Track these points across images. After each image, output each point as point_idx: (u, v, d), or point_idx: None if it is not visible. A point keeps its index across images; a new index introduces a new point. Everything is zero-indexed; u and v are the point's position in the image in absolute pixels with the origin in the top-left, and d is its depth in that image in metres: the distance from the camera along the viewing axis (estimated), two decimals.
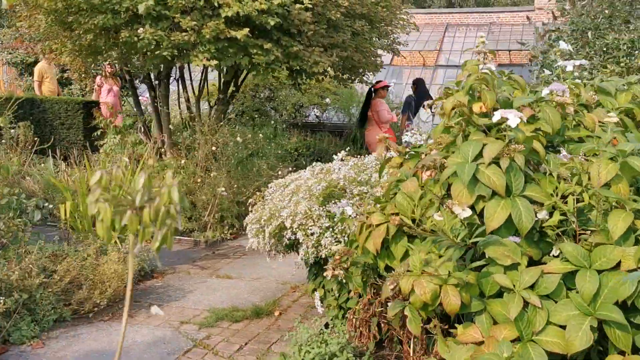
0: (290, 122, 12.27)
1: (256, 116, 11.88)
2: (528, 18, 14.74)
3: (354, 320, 3.45)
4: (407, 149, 2.87)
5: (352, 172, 3.84)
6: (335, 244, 3.55)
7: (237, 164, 6.82)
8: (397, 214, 2.43)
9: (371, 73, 8.66)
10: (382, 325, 3.32)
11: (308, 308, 4.70)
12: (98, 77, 10.13)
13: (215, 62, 6.01)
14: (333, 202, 3.72)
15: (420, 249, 2.17)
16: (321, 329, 3.61)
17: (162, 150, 8.27)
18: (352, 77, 8.48)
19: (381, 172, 2.81)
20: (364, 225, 2.68)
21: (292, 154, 8.36)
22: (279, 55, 6.42)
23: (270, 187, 4.44)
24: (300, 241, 3.69)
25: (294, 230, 3.77)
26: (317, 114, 13.49)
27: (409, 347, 3.25)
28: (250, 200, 4.46)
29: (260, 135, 7.38)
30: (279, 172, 7.20)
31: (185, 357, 3.81)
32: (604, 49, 6.55)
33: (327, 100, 12.63)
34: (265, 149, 7.19)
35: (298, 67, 6.89)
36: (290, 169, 7.99)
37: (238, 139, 6.86)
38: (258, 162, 7.13)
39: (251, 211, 4.25)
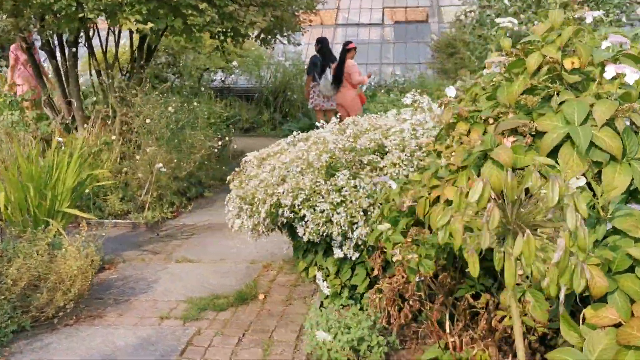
0: (194, 88, 11.54)
1: (157, 83, 11.09)
2: None
3: (377, 300, 3.22)
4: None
5: (350, 140, 3.54)
6: (349, 219, 3.27)
7: (172, 136, 6.24)
8: None
9: (301, 33, 8.27)
10: (408, 305, 3.13)
11: (291, 288, 4.41)
12: (13, 46, 8.79)
13: (149, 25, 5.37)
14: (336, 174, 3.42)
15: None
16: (340, 312, 3.35)
17: (73, 125, 7.43)
18: (276, 38, 8.04)
19: (441, 139, 2.56)
20: (427, 200, 2.43)
21: (220, 123, 7.83)
22: (214, 16, 5.89)
23: (248, 162, 4.04)
24: (307, 219, 3.36)
25: (297, 207, 3.44)
26: (223, 78, 12.86)
27: (443, 325, 3.08)
28: (228, 178, 4.03)
29: (195, 103, 6.81)
30: (219, 143, 6.72)
31: (183, 359, 3.40)
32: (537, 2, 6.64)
33: (235, 63, 12.05)
34: (197, 119, 6.64)
35: (230, 28, 6.39)
36: (227, 138, 7.51)
37: (170, 109, 6.27)
38: (192, 134, 6.59)
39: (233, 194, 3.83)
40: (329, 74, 9.59)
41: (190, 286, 4.44)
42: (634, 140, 1.96)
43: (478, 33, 6.79)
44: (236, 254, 5.15)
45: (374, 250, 3.45)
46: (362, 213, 3.27)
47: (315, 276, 3.94)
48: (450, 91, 4.76)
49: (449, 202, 2.31)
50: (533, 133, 2.16)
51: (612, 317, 1.84)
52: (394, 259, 2.33)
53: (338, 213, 3.29)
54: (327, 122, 4.17)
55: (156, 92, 6.19)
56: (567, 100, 2.06)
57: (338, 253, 3.49)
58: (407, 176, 3.31)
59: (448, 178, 2.39)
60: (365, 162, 3.41)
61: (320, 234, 3.36)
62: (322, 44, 9.65)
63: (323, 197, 3.31)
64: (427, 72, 12.30)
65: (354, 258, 3.49)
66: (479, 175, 2.25)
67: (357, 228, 3.30)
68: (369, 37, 14.68)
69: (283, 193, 3.45)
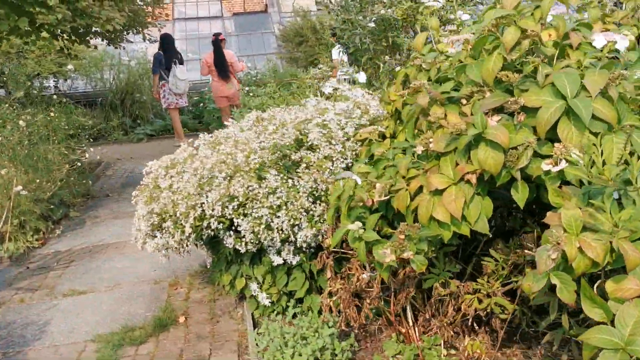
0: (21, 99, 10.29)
1: None
2: None
3: (331, 303, 3.02)
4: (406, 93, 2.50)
5: (271, 138, 3.28)
6: (291, 222, 3.02)
7: (28, 154, 5.46)
8: (472, 172, 2.08)
9: (158, 29, 7.67)
10: (368, 304, 2.98)
11: (210, 304, 4.04)
12: None
13: None
14: (267, 176, 3.15)
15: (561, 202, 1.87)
16: (293, 323, 3.10)
17: None
18: (124, 37, 7.39)
19: (413, 124, 2.40)
20: (404, 192, 2.27)
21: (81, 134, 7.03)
22: (67, 13, 5.22)
23: (152, 172, 3.59)
24: (243, 228, 3.05)
25: (227, 217, 3.11)
26: (56, 84, 11.67)
27: (406, 318, 2.97)
28: (134, 193, 3.56)
29: (52, 114, 6.00)
30: (85, 156, 6.02)
31: None
32: None
33: (70, 67, 10.96)
34: (55, 131, 5.89)
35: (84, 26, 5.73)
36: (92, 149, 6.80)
37: (21, 122, 5.47)
38: (50, 148, 5.83)
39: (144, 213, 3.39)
40: (177, 71, 9.09)
41: (93, 321, 3.89)
42: (624, 107, 1.96)
43: (344, 18, 6.79)
44: (133, 276, 4.63)
45: (317, 251, 3.24)
46: (304, 214, 3.03)
47: (242, 289, 3.63)
48: (361, 77, 4.67)
49: (436, 192, 2.17)
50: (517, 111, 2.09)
51: (636, 287, 1.81)
52: (386, 260, 2.14)
53: (278, 217, 3.02)
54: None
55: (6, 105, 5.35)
56: (555, 74, 2.00)
57: (276, 260, 3.22)
58: (347, 168, 3.12)
59: (429, 166, 2.24)
60: (298, 159, 3.16)
61: (261, 241, 3.07)
62: (164, 41, 9.09)
63: (260, 202, 3.01)
64: (277, 62, 12.17)
65: (294, 263, 3.24)
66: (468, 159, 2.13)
67: (299, 230, 3.05)
68: (210, 30, 14.19)
69: (211, 203, 3.09)
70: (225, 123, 3.77)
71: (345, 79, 8.73)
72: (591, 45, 2.21)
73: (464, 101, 2.26)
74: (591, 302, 1.87)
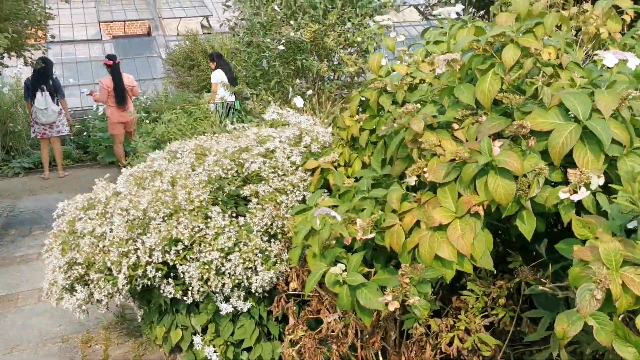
0: None
1: None
2: None
3: (294, 353, 2.70)
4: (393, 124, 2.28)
5: (211, 170, 2.93)
6: (244, 265, 2.68)
7: None
8: (479, 204, 1.89)
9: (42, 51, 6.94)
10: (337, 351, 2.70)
11: None
12: None
13: None
14: (210, 213, 2.79)
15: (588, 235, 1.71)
16: None
17: None
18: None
19: (381, 151, 2.17)
20: (398, 228, 2.03)
21: None
22: None
23: (65, 214, 3.09)
24: (188, 276, 2.67)
25: (167, 263, 2.71)
26: None
27: None
28: (47, 241, 3.03)
29: None
30: None
31: None
32: None
33: None
34: None
35: None
36: None
37: None
38: None
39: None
40: (37, 99, 8.31)
41: None
42: (631, 128, 1.86)
43: (250, 40, 6.49)
44: (34, 334, 3.99)
45: (271, 294, 2.92)
46: (259, 254, 2.70)
47: (178, 342, 3.20)
48: (299, 102, 4.40)
49: (437, 228, 1.95)
50: (519, 135, 1.93)
51: None
52: (390, 308, 1.88)
53: (230, 260, 2.66)
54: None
55: None
56: (562, 94, 1.86)
57: (225, 308, 2.85)
58: (302, 201, 2.84)
59: (426, 199, 2.02)
60: (247, 193, 2.83)
61: (213, 289, 2.69)
62: (42, 63, 8.27)
63: (210, 245, 2.64)
64: (165, 86, 11.58)
65: (245, 309, 2.89)
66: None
67: (254, 274, 2.71)
68: (89, 54, 13.29)
69: (148, 248, 2.67)
70: (152, 155, 3.34)
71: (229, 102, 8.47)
72: (579, 65, 2.11)
73: (455, 126, 2.07)
74: (624, 340, 1.73)
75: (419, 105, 2.09)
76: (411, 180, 2.03)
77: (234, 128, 3.65)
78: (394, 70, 2.71)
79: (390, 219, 2.07)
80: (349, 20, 6.79)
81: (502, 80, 1.96)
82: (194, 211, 2.73)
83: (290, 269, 2.64)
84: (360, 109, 2.92)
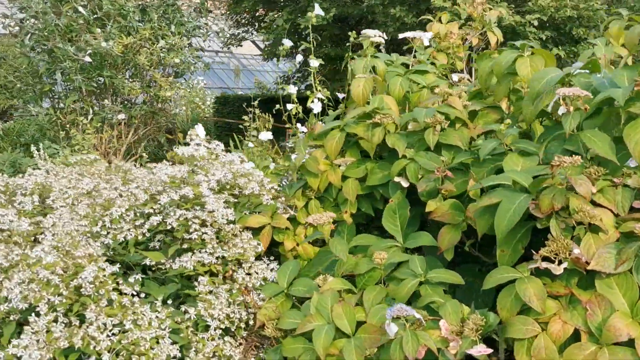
0: None
1: None
2: None
3: None
4: None
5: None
6: None
7: None
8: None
9: None
10: None
11: None
12: None
13: None
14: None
15: None
16: None
17: None
18: None
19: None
20: (545, 342, 1.36)
21: None
22: None
23: None
24: None
25: None
26: None
27: None
28: None
29: None
30: None
31: None
32: None
33: None
34: None
35: None
36: None
37: None
38: None
39: None
40: None
41: None
42: None
43: (44, 46, 5.05)
44: None
45: None
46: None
47: None
48: (200, 130, 3.33)
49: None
50: None
51: None
52: None
53: None
54: None
55: None
56: None
57: None
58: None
59: (586, 297, 1.37)
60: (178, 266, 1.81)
61: None
62: None
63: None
64: None
65: None
66: None
67: None
68: None
69: None
70: None
71: None
72: None
73: (588, 184, 1.47)
74: None
75: (578, 159, 1.44)
76: (556, 268, 1.36)
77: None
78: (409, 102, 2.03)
79: (522, 324, 1.36)
80: (163, 38, 5.79)
81: None
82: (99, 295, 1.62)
83: None
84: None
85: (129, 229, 1.98)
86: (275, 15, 7.09)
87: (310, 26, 3.00)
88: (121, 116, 5.31)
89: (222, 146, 2.39)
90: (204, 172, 2.23)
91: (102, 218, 1.97)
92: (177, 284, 2.13)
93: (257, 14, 8.26)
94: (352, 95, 2.18)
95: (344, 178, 2.16)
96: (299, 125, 3.52)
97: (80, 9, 5.19)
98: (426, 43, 2.56)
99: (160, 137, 6.90)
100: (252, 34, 8.78)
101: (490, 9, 3.40)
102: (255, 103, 4.68)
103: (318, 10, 2.99)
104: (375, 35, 2.32)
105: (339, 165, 2.17)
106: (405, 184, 2.00)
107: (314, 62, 3.17)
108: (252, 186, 2.20)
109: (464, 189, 1.86)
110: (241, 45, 9.60)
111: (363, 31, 2.35)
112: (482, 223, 1.60)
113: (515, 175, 1.56)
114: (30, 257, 1.73)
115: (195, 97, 8.72)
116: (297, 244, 2.24)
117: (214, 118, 9.05)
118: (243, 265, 2.09)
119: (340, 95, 3.14)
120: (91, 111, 5.40)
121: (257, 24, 8.48)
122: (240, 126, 4.68)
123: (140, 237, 2.05)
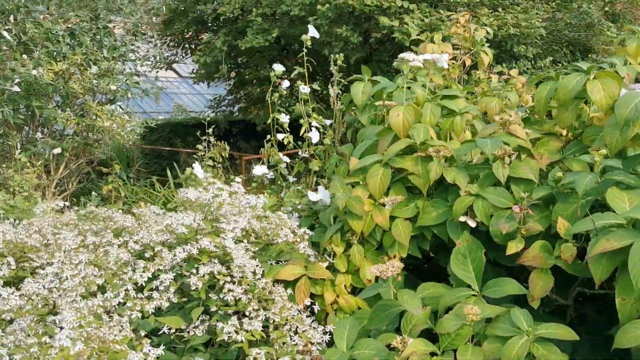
0: None
1: None
2: None
3: None
4: None
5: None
6: None
7: None
8: None
9: None
10: None
11: None
12: None
13: None
14: None
15: None
16: None
17: None
18: None
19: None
20: None
21: None
22: None
23: None
24: None
25: None
26: None
27: None
28: None
29: None
30: None
31: None
32: None
33: None
34: None
35: None
36: None
37: None
38: None
39: None
40: None
41: None
42: None
43: None
44: None
45: None
46: None
47: None
48: (198, 170, 3.04)
49: None
50: None
51: None
52: None
53: None
54: None
55: None
56: None
57: None
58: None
59: None
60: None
61: None
62: None
63: None
64: None
65: None
66: None
67: None
68: None
69: None
70: None
71: None
72: None
73: None
74: None
75: None
76: None
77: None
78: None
79: None
80: (95, 64, 5.33)
81: None
82: None
83: None
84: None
85: (160, 297, 1.63)
86: (214, 38, 6.76)
87: (304, 48, 2.76)
88: (56, 150, 4.79)
89: (243, 189, 2.08)
90: (225, 220, 1.92)
91: (125, 285, 1.61)
92: (204, 352, 1.80)
93: (187, 35, 7.86)
94: (392, 126, 1.95)
95: (392, 218, 1.93)
96: (280, 154, 3.26)
97: (5, 33, 4.66)
98: (445, 65, 2.40)
99: (90, 173, 6.40)
100: (182, 56, 8.36)
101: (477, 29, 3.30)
102: (210, 130, 4.38)
103: (313, 31, 2.76)
104: (414, 59, 2.12)
105: (384, 205, 1.93)
106: (472, 224, 1.80)
107: (305, 88, 2.92)
108: (285, 232, 1.91)
109: (545, 227, 1.68)
110: (171, 69, 9.14)
111: (400, 55, 2.14)
112: (598, 268, 1.42)
113: (635, 213, 1.40)
114: (52, 345, 1.34)
115: (129, 124, 8.20)
116: (338, 296, 1.97)
117: (143, 145, 8.52)
118: (286, 326, 1.79)
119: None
120: (19, 146, 4.85)
121: (187, 46, 8.09)
122: (190, 152, 4.36)
123: (165, 303, 1.71)
